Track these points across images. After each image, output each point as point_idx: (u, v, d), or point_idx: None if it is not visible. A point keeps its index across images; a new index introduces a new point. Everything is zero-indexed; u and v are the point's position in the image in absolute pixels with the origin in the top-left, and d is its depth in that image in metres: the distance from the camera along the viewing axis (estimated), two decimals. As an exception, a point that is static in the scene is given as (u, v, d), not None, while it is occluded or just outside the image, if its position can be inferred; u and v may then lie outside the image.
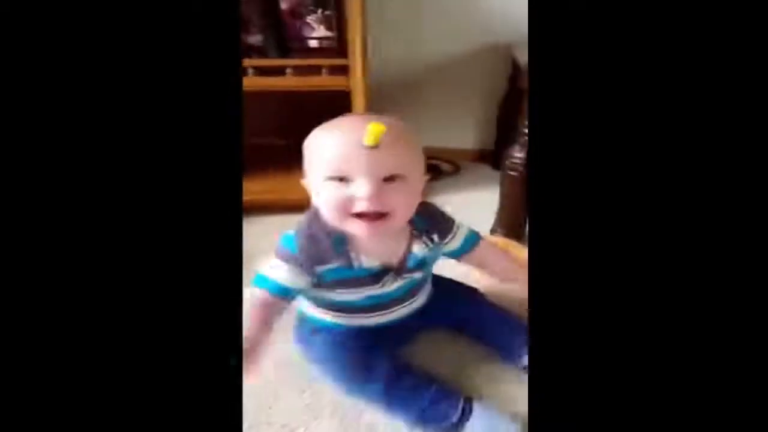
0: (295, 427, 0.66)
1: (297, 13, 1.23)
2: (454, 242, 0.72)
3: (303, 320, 0.76)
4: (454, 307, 0.78)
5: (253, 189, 1.20)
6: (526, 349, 0.70)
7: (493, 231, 1.10)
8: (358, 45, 1.05)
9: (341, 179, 0.56)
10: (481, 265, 0.77)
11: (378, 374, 0.65)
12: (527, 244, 1.04)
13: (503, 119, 1.45)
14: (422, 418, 0.63)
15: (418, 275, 0.70)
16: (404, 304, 0.72)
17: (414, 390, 0.64)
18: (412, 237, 0.67)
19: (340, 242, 0.62)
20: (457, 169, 1.51)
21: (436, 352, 0.76)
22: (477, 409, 0.63)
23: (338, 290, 0.66)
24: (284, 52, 1.21)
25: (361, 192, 0.55)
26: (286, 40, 1.24)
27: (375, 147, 0.54)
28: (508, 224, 1.07)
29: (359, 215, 0.57)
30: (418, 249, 0.67)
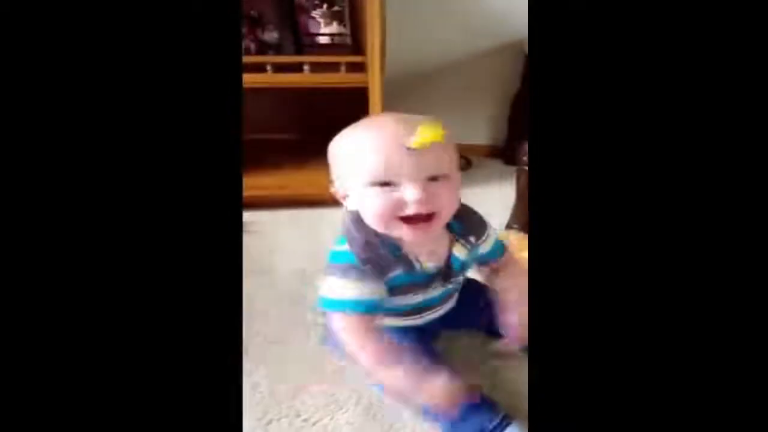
0: (320, 418, 0.67)
1: (303, 9, 1.24)
2: (486, 245, 0.71)
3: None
4: (484, 309, 0.76)
5: (264, 184, 1.22)
6: None
7: (508, 226, 1.11)
8: (376, 43, 1.05)
9: (385, 184, 0.55)
10: (501, 277, 0.74)
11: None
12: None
13: (515, 115, 1.46)
14: (456, 427, 0.62)
15: (460, 279, 0.70)
16: (441, 307, 0.73)
17: (475, 421, 0.62)
18: (452, 240, 0.66)
19: (395, 247, 0.62)
20: (468, 164, 1.52)
21: (470, 353, 0.78)
22: (513, 428, 0.61)
23: (392, 296, 0.64)
24: (300, 48, 1.22)
25: (410, 195, 0.54)
26: (301, 36, 1.25)
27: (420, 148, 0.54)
28: (523, 219, 1.07)
29: (406, 218, 0.56)
30: (459, 252, 0.66)
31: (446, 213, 0.59)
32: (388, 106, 1.50)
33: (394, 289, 0.63)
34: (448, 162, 0.58)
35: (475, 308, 0.77)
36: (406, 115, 0.58)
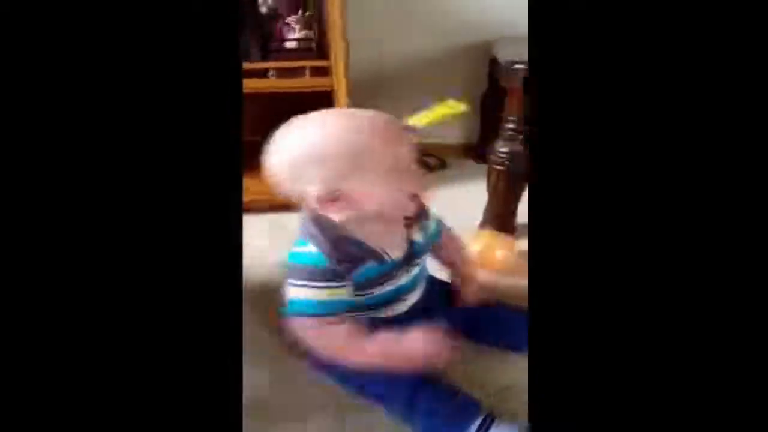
0: (293, 422, 0.66)
1: (278, 15, 1.23)
2: (432, 224, 0.73)
3: None
4: (456, 310, 0.77)
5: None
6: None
7: (482, 225, 1.11)
8: (339, 46, 1.05)
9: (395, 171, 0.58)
10: (444, 252, 0.79)
11: (401, 384, 0.62)
12: (514, 236, 1.05)
13: (485, 114, 1.46)
14: (441, 428, 0.61)
15: (421, 262, 0.71)
16: (411, 294, 0.72)
17: (435, 399, 0.62)
18: (408, 226, 0.67)
19: (360, 243, 0.62)
20: (443, 165, 1.51)
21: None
22: (498, 425, 0.60)
23: (363, 290, 0.64)
24: (266, 54, 1.21)
25: (419, 177, 0.61)
26: (267, 42, 1.24)
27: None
28: (497, 218, 1.07)
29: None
30: (417, 236, 0.68)
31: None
32: (358, 107, 1.49)
33: (364, 284, 0.63)
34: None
35: (447, 308, 0.77)
36: (353, 109, 0.61)
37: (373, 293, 0.65)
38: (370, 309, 0.68)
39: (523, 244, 1.01)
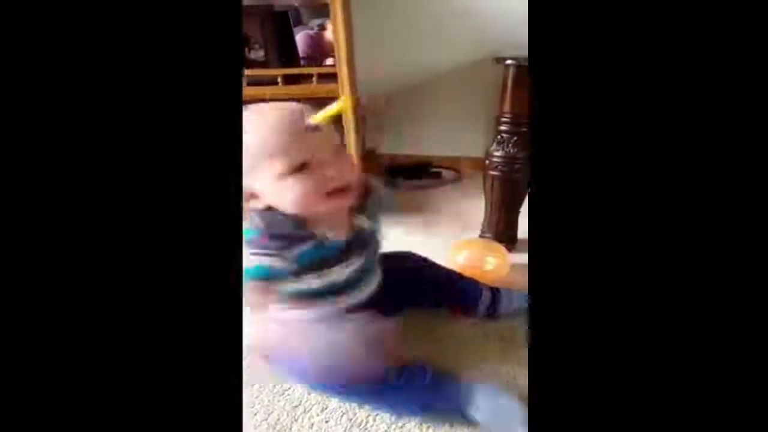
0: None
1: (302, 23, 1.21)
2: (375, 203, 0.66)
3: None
4: (426, 284, 0.74)
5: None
6: (479, 300, 0.73)
7: (481, 235, 0.99)
8: (343, 55, 1.00)
9: (302, 166, 0.52)
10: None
11: (371, 379, 0.57)
12: (513, 247, 0.92)
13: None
14: (427, 408, 0.57)
15: (371, 249, 0.64)
16: (367, 281, 0.65)
17: (411, 383, 0.57)
18: (350, 212, 0.60)
19: (297, 225, 0.56)
20: (459, 177, 1.40)
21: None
22: (480, 389, 0.57)
23: (310, 275, 0.58)
24: (286, 63, 1.18)
25: (332, 170, 0.52)
26: (291, 51, 1.22)
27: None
28: (495, 225, 0.95)
29: (329, 194, 0.53)
30: (362, 222, 0.61)
31: (354, 182, 0.56)
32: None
33: (308, 266, 0.57)
34: (336, 136, 0.56)
35: (416, 285, 0.72)
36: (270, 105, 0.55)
37: (320, 277, 0.58)
38: (326, 296, 0.61)
39: (521, 258, 0.88)
